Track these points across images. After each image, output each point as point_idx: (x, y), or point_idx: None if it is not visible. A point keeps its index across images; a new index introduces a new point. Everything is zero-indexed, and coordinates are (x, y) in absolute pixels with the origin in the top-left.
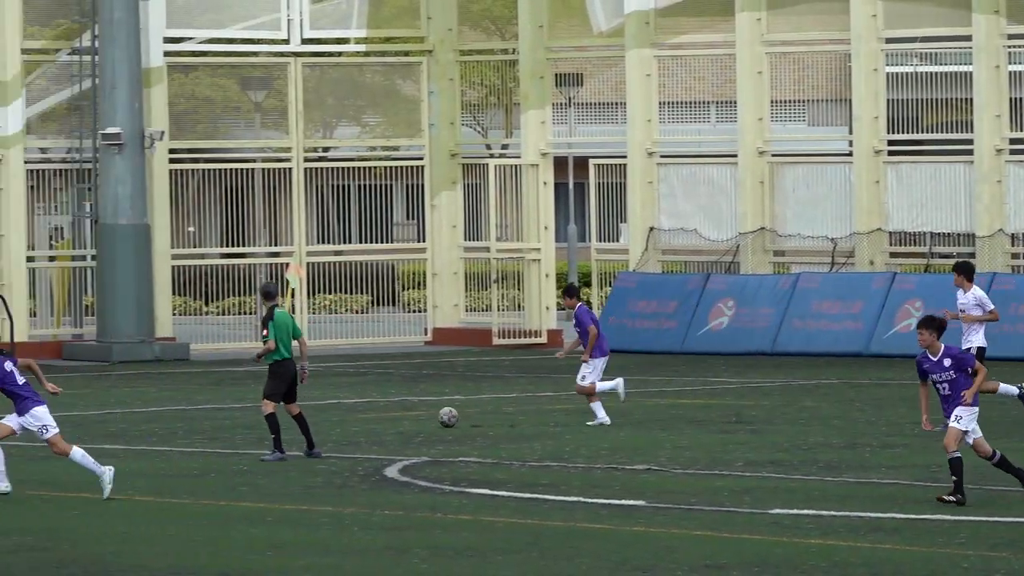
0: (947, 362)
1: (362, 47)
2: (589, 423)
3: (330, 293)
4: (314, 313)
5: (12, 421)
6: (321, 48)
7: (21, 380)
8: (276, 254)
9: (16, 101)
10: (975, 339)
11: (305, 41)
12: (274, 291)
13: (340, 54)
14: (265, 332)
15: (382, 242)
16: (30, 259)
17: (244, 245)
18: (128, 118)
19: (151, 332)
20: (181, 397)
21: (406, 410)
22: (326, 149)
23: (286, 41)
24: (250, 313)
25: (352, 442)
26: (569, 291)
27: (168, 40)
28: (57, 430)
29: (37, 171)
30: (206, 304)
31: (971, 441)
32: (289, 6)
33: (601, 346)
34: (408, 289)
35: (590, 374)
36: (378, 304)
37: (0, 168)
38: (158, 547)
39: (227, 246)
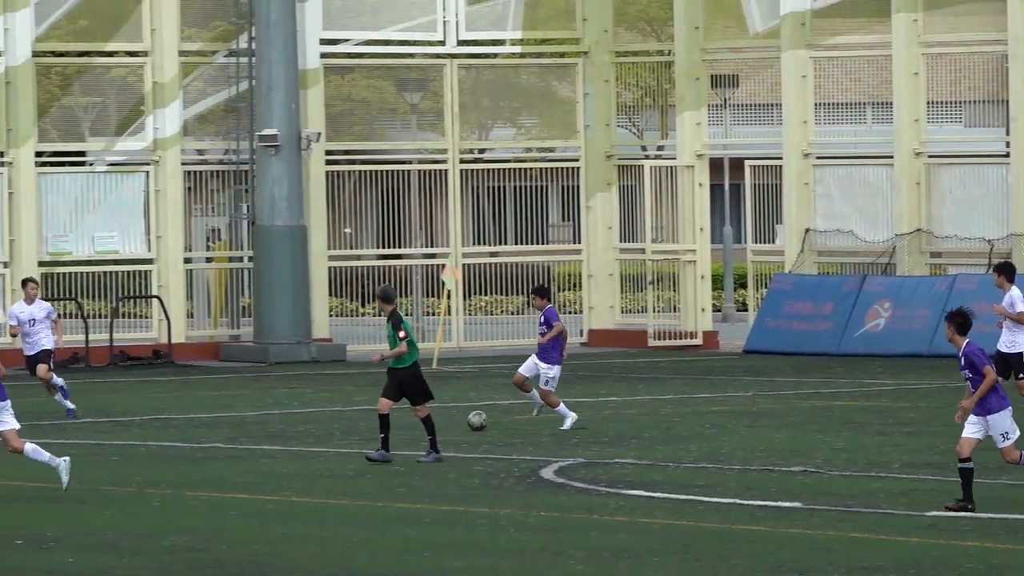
0: (962, 360)
1: (517, 48)
2: (563, 427)
3: (486, 295)
4: (470, 315)
5: None
6: (477, 50)
7: None
8: (432, 255)
9: (174, 103)
10: (1021, 340)
11: (461, 43)
12: (394, 294)
13: (496, 56)
14: (404, 335)
15: (538, 243)
16: (187, 260)
17: (400, 247)
18: (285, 120)
19: (308, 333)
20: (338, 398)
21: None
22: (482, 150)
23: (442, 43)
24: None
25: (508, 443)
26: (541, 292)
27: (325, 42)
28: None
29: (194, 172)
30: (362, 305)
31: (964, 436)
32: (445, 8)
33: (559, 354)
34: (564, 290)
35: (553, 380)
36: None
37: (157, 169)
38: (314, 548)
39: (383, 247)
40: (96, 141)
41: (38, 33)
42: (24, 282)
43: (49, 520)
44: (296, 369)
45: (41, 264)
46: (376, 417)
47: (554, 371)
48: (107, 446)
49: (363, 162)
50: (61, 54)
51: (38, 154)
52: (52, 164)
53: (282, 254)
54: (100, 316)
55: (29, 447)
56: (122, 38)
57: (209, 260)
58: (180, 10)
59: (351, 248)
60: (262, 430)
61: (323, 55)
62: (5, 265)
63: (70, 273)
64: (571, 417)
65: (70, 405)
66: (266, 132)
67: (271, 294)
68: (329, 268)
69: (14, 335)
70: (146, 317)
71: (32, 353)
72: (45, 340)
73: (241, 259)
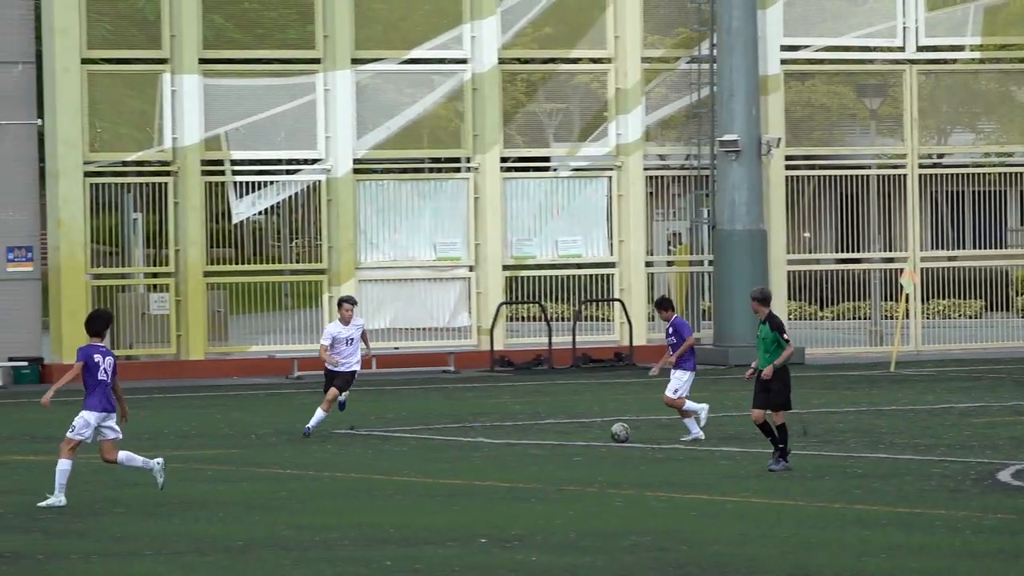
0: None
1: (977, 54)
2: (683, 439)
3: (944, 298)
4: (928, 318)
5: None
6: (936, 55)
7: (101, 376)
8: (890, 260)
9: (636, 108)
10: None
11: (920, 48)
12: (771, 295)
13: (955, 61)
14: (786, 336)
15: (996, 248)
16: (648, 264)
17: (859, 251)
18: (745, 125)
19: None
20: (795, 399)
21: (1019, 415)
22: (940, 156)
23: (901, 48)
24: (864, 318)
25: (965, 446)
26: (663, 304)
27: (785, 48)
28: (74, 437)
29: (656, 177)
30: (821, 309)
31: None
32: (905, 14)
33: (693, 361)
34: (1022, 295)
35: (683, 387)
36: (992, 309)
37: (620, 174)
38: (774, 549)
39: (842, 252)
40: (560, 147)
41: (504, 40)
42: (340, 302)
43: (512, 519)
44: None
45: (505, 268)
46: (775, 429)
47: (687, 377)
48: (569, 447)
49: (822, 167)
50: (526, 61)
51: (503, 159)
52: (516, 169)
53: (742, 258)
54: (563, 319)
55: (123, 455)
56: (586, 45)
57: (670, 264)
58: (643, 17)
59: (810, 252)
60: (720, 431)
61: (783, 61)
62: (471, 269)
63: (533, 277)
64: (696, 433)
65: (312, 424)
66: (727, 137)
67: (731, 298)
68: (788, 272)
69: (329, 356)
70: (608, 320)
71: (344, 371)
72: (356, 361)
73: (701, 263)
